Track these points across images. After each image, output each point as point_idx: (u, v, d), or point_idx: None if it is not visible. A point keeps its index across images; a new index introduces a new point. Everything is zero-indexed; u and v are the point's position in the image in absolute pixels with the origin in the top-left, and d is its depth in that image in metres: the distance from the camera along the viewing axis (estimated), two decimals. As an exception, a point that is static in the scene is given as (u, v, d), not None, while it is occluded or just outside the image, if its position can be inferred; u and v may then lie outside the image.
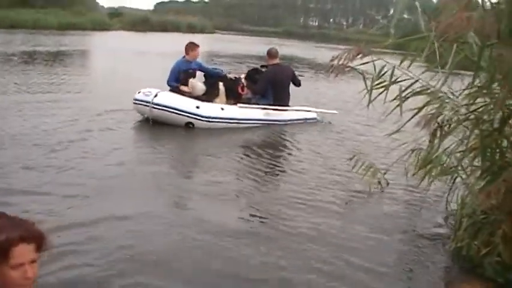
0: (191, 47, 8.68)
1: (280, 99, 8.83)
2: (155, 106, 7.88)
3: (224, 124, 8.09)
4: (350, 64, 3.57)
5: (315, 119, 9.31)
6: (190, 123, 7.92)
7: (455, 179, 4.60)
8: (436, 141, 3.95)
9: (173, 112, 7.89)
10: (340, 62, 3.44)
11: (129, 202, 4.75)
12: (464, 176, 4.41)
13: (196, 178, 5.89)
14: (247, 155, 6.91)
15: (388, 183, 5.60)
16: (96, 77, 14.19)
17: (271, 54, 9.07)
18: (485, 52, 3.46)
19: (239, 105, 8.45)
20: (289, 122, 8.83)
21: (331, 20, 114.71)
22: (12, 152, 6.08)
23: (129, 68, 15.89)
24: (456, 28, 2.81)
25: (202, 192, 5.25)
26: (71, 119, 7.94)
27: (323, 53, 30.38)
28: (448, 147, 4.28)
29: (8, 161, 5.71)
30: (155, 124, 7.89)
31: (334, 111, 9.47)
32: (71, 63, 17.63)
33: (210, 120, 7.95)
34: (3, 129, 7.03)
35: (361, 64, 3.79)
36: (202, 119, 7.90)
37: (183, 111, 7.89)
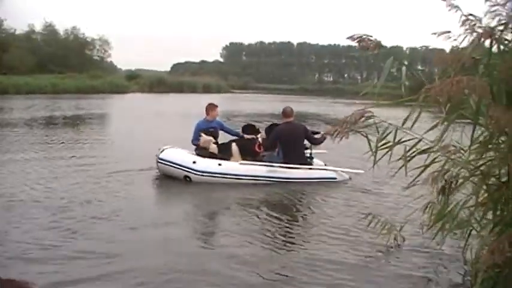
0: (211, 107, 9.40)
1: (290, 157, 8.82)
2: (160, 161, 8.74)
3: (221, 179, 8.42)
4: (353, 128, 3.67)
5: (334, 178, 8.97)
6: (187, 176, 8.53)
7: (470, 232, 4.60)
8: (445, 197, 3.98)
9: (173, 166, 8.62)
10: (344, 127, 3.56)
11: (138, 267, 4.77)
12: (478, 229, 4.39)
13: (209, 241, 5.83)
14: (255, 215, 6.77)
15: (404, 239, 5.57)
16: (113, 139, 14.47)
17: (286, 113, 9.22)
18: (481, 110, 3.54)
19: (240, 161, 8.72)
20: (300, 181, 8.65)
21: (345, 75, 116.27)
22: (22, 213, 6.27)
23: (147, 129, 16.21)
24: (448, 92, 2.91)
25: (215, 256, 5.20)
26: (81, 180, 8.26)
27: (338, 108, 30.73)
28: (460, 201, 4.29)
29: (18, 220, 5.96)
30: (169, 183, 8.53)
31: (361, 171, 8.83)
32: (88, 126, 18.04)
33: (205, 174, 8.42)
34: (16, 192, 7.28)
35: (364, 127, 3.87)
36: (197, 173, 8.47)
37: (181, 165, 8.58)
